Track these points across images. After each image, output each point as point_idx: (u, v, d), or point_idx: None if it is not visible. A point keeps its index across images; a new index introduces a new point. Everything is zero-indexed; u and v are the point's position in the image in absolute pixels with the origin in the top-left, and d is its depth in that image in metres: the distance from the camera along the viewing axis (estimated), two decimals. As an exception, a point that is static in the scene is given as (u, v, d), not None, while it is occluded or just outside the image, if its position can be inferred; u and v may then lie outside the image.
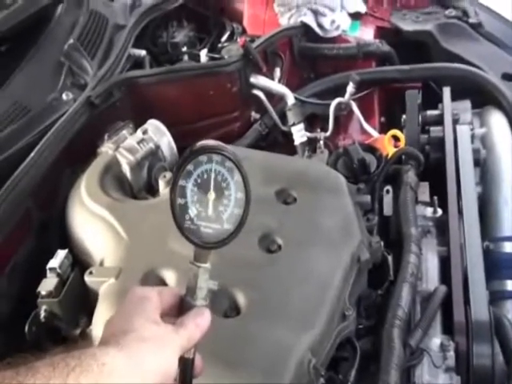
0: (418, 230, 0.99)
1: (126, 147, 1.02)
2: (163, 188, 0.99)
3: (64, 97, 1.13)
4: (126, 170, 1.01)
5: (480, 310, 0.83)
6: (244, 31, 1.69)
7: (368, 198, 1.02)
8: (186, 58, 1.57)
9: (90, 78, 1.18)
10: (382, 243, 0.94)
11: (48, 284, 0.85)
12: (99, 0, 1.47)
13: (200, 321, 0.56)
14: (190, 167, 0.58)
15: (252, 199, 0.96)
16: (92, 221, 0.93)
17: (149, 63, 1.41)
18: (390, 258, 0.94)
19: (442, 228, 1.02)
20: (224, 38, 1.68)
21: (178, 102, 1.27)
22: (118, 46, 1.31)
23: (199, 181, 0.58)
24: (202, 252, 0.60)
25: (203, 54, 1.54)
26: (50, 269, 0.86)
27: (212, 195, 0.58)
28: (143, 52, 1.43)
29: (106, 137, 1.06)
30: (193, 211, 0.59)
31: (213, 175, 0.58)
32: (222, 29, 1.74)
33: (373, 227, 0.99)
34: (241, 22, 1.75)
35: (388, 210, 1.06)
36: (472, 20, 1.67)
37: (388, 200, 1.07)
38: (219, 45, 1.64)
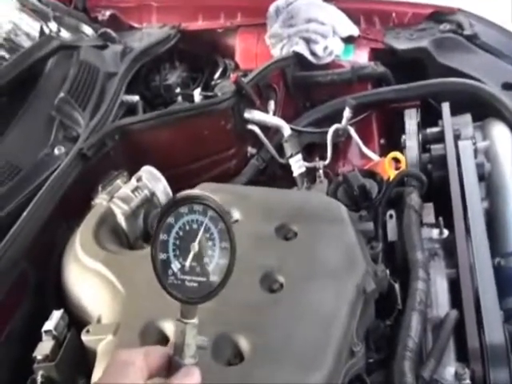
0: (424, 254, 0.98)
1: (120, 197, 1.05)
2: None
3: (56, 151, 1.16)
4: (121, 220, 1.03)
5: (494, 332, 0.82)
6: (237, 66, 1.73)
7: (371, 225, 1.02)
8: (179, 99, 1.61)
9: (82, 130, 1.21)
10: (388, 271, 0.93)
11: (44, 348, 0.84)
12: (90, 50, 1.52)
13: (189, 381, 0.56)
14: (170, 220, 0.59)
15: (252, 237, 0.98)
16: (88, 277, 0.93)
17: (142, 108, 1.45)
18: (396, 286, 0.93)
19: (449, 249, 1.01)
20: (217, 75, 1.73)
21: (172, 145, 1.30)
22: (110, 95, 1.35)
23: (181, 233, 0.59)
24: (189, 307, 0.60)
25: (197, 94, 1.58)
26: (46, 331, 0.86)
27: (195, 247, 0.59)
28: (136, 97, 1.47)
29: (99, 188, 1.08)
30: (176, 266, 0.59)
31: (195, 226, 0.58)
32: (215, 66, 1.79)
33: (377, 255, 0.98)
34: (233, 57, 1.79)
35: (392, 235, 1.06)
36: (467, 32, 1.69)
37: (392, 225, 1.07)
38: (212, 82, 1.68)
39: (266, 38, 1.75)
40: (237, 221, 1.00)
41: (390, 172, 1.23)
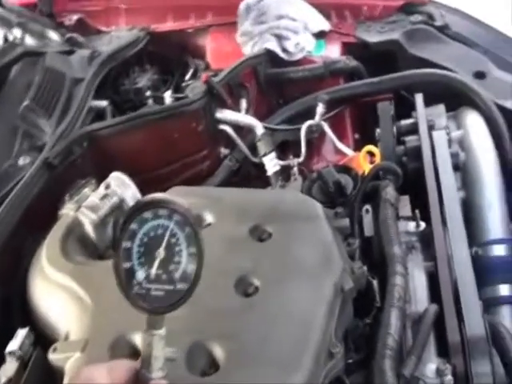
0: (401, 248, 0.96)
1: (87, 206, 1.01)
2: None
3: (20, 162, 1.12)
4: (90, 229, 0.99)
5: (474, 324, 0.81)
6: (208, 67, 1.70)
7: (346, 221, 1.00)
8: (150, 102, 1.57)
9: (48, 138, 1.18)
10: (366, 268, 0.92)
11: (8, 370, 0.80)
12: (55, 56, 1.48)
13: None
14: (133, 226, 0.56)
15: (225, 240, 0.96)
16: (54, 291, 0.90)
17: (111, 114, 1.41)
18: (375, 283, 0.91)
19: (427, 242, 1.00)
20: (188, 77, 1.69)
21: (142, 150, 1.27)
22: (77, 101, 1.31)
23: (145, 240, 0.56)
24: (156, 318, 0.57)
25: (167, 96, 1.55)
26: (10, 352, 0.82)
27: (161, 254, 0.56)
28: (104, 103, 1.44)
29: (66, 198, 1.05)
30: (141, 274, 0.56)
31: (160, 232, 0.56)
32: (186, 67, 1.76)
33: (354, 252, 0.96)
34: (204, 58, 1.76)
35: (369, 230, 1.04)
36: (438, 23, 1.69)
37: (368, 220, 1.05)
38: (183, 84, 1.64)
39: (237, 37, 1.73)
40: (209, 224, 0.97)
41: (364, 166, 1.22)
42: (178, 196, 0.90)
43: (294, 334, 0.78)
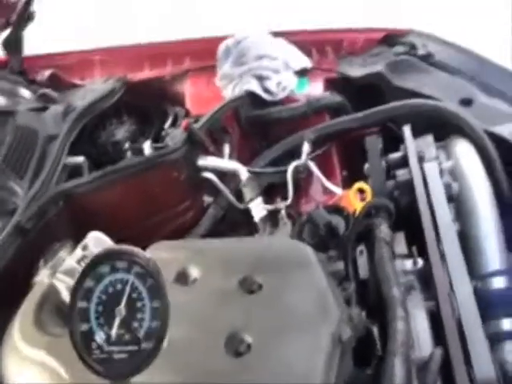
0: (400, 290, 0.95)
1: (64, 270, 0.99)
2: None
3: None
4: (66, 296, 0.97)
5: (484, 367, 0.78)
6: (188, 113, 1.73)
7: (340, 265, 0.99)
8: (129, 154, 1.58)
9: (20, 201, 1.17)
10: (364, 314, 0.90)
11: None
12: (27, 114, 1.50)
13: None
14: (89, 284, 0.55)
15: (213, 295, 0.94)
16: (29, 368, 0.86)
17: (88, 169, 1.42)
18: (375, 330, 0.89)
19: (425, 279, 0.99)
20: (167, 125, 1.71)
21: (122, 205, 1.26)
22: (51, 159, 1.32)
23: (103, 297, 0.55)
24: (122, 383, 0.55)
25: (147, 147, 1.56)
26: None
27: (122, 312, 0.55)
28: (81, 158, 1.44)
29: (41, 263, 1.03)
30: (100, 336, 0.55)
31: (119, 287, 0.55)
32: (165, 116, 1.78)
33: (350, 296, 0.95)
34: (184, 104, 1.79)
35: (364, 272, 1.03)
36: (421, 52, 1.73)
37: (363, 261, 1.05)
38: (163, 133, 1.66)
39: (217, 80, 1.76)
40: (196, 279, 0.96)
41: (356, 204, 1.21)
42: (161, 252, 0.89)
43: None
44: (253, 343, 0.82)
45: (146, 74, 1.91)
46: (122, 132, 1.68)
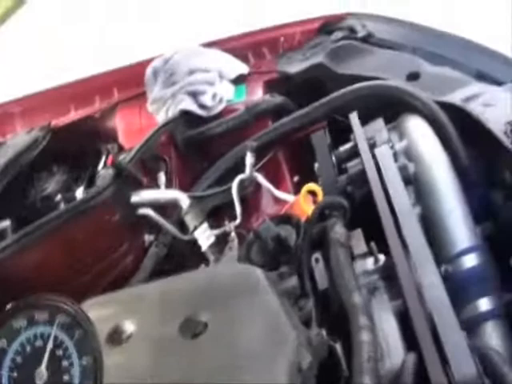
0: (361, 295, 0.89)
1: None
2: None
3: None
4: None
5: (462, 365, 0.73)
6: (121, 148, 1.68)
7: (293, 280, 0.94)
8: (61, 206, 1.53)
9: None
10: (324, 333, 0.84)
11: None
12: None
13: None
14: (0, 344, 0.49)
15: (152, 349, 0.88)
16: None
17: (11, 233, 1.36)
18: (338, 348, 0.83)
19: (389, 277, 0.93)
20: (101, 166, 1.66)
21: (49, 265, 1.20)
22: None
23: (19, 359, 0.49)
24: None
25: (79, 193, 1.51)
26: None
27: (43, 375, 0.48)
28: (5, 223, 1.38)
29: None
30: None
31: (39, 343, 0.49)
32: (98, 156, 1.73)
33: (309, 315, 0.90)
34: (117, 140, 1.74)
35: (322, 282, 0.97)
36: (360, 34, 1.71)
37: (319, 270, 0.99)
38: (97, 175, 1.61)
39: (148, 106, 1.73)
40: (131, 335, 0.89)
41: (308, 209, 1.17)
42: (90, 311, 0.82)
43: None
44: None
45: (72, 115, 1.87)
46: (52, 184, 1.62)
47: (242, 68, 1.78)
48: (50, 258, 1.21)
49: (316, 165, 1.29)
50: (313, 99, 1.51)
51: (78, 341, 0.49)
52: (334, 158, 1.28)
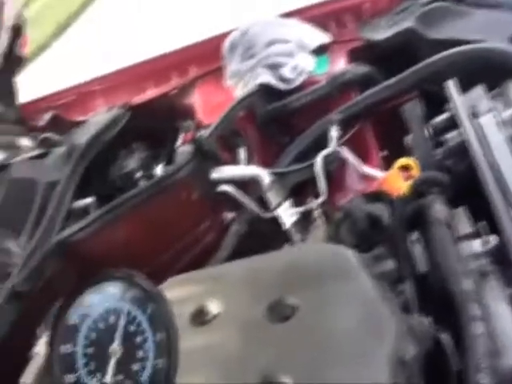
0: (471, 280, 0.79)
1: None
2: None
3: None
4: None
5: None
6: (199, 125, 1.64)
7: (391, 262, 0.85)
8: (141, 183, 1.50)
9: (17, 261, 1.11)
10: (430, 320, 0.75)
11: None
12: (23, 164, 1.46)
13: None
14: (72, 320, 0.48)
15: (239, 331, 0.83)
16: None
17: (94, 211, 1.34)
18: (446, 339, 0.74)
19: (502, 260, 0.83)
20: (179, 143, 1.63)
21: (131, 243, 1.18)
22: (51, 208, 1.25)
23: (93, 336, 0.47)
24: None
25: (159, 171, 1.48)
26: None
27: (117, 351, 0.47)
28: (89, 200, 1.38)
29: (38, 331, 0.94)
30: None
31: (112, 319, 0.47)
32: (176, 133, 1.70)
33: (409, 301, 0.81)
34: (195, 117, 1.71)
35: (422, 265, 0.88)
36: (453, -7, 1.58)
37: (419, 252, 0.90)
38: (175, 152, 1.57)
39: (227, 81, 1.68)
40: (217, 315, 0.84)
41: (401, 186, 1.07)
42: (172, 290, 0.78)
43: None
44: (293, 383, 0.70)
45: (150, 93, 1.85)
46: (132, 162, 1.60)
47: (324, 38, 1.68)
48: (131, 236, 1.19)
49: (408, 138, 1.19)
50: (402, 68, 1.41)
51: (151, 316, 0.48)
52: (428, 131, 1.17)
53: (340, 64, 1.61)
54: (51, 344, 0.48)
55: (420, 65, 1.38)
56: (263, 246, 1.21)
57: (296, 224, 1.19)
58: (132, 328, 0.47)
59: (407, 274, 0.88)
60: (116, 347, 0.47)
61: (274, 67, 1.63)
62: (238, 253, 1.21)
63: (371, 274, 0.82)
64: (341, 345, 0.73)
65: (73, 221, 1.30)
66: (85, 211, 1.37)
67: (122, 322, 0.47)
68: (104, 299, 0.48)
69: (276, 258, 0.97)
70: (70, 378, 0.46)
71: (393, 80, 1.38)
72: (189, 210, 1.26)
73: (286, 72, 1.60)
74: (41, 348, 0.91)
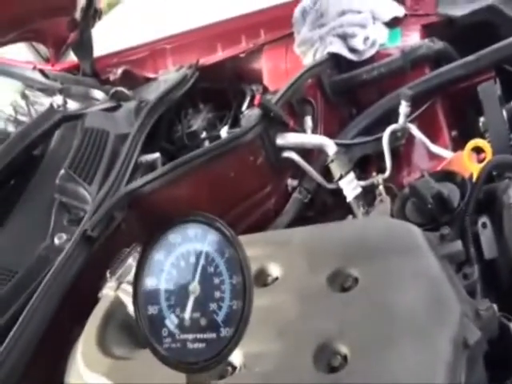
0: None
1: (131, 281, 0.91)
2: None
3: (56, 241, 1.07)
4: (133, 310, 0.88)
5: None
6: (266, 90, 1.61)
7: (458, 244, 0.81)
8: (206, 144, 1.50)
9: (88, 208, 1.12)
10: (496, 307, 0.72)
11: None
12: (97, 115, 1.47)
13: None
14: (158, 257, 0.49)
15: (298, 297, 0.82)
16: None
17: (161, 165, 1.34)
18: (512, 328, 0.71)
19: None
20: (245, 106, 1.61)
21: (195, 200, 1.17)
22: (121, 160, 1.26)
23: (174, 272, 0.48)
24: (198, 378, 0.48)
25: (224, 132, 1.46)
26: None
27: (196, 289, 0.48)
28: (156, 155, 1.38)
29: (107, 274, 0.95)
30: (171, 321, 0.48)
31: (192, 259, 0.48)
32: (243, 97, 1.68)
33: (474, 285, 0.78)
34: (262, 81, 1.68)
35: (490, 250, 0.85)
36: (541, -32, 1.48)
37: (487, 237, 0.86)
38: (241, 115, 1.56)
39: (296, 48, 1.64)
40: (276, 279, 0.83)
41: (472, 167, 1.02)
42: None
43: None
44: (349, 355, 0.68)
45: (219, 55, 1.83)
46: (198, 121, 1.60)
47: (398, 10, 1.61)
48: (196, 194, 1.18)
49: (482, 119, 1.14)
50: (480, 46, 1.35)
51: (227, 260, 0.48)
52: (504, 113, 1.11)
53: (413, 38, 1.54)
54: (136, 277, 0.50)
55: (501, 43, 1.31)
56: (323, 216, 1.19)
57: (359, 197, 1.15)
58: (210, 269, 0.48)
59: (473, 259, 0.84)
60: (195, 286, 0.48)
61: (345, 37, 1.58)
62: (298, 220, 1.18)
63: (436, 253, 0.79)
64: (402, 321, 0.71)
65: (140, 174, 1.31)
66: (151, 166, 1.37)
67: (201, 263, 0.48)
68: (186, 239, 0.49)
69: (339, 229, 0.95)
70: (153, 309, 0.48)
71: (470, 57, 1.31)
72: (252, 174, 1.24)
73: (358, 43, 1.54)
74: (107, 291, 0.93)
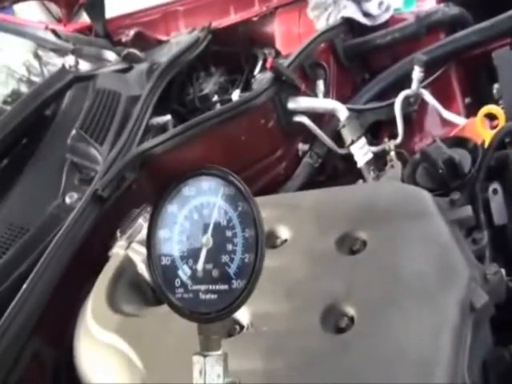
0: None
1: (140, 240, 0.91)
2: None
3: (67, 200, 1.06)
4: (143, 269, 0.88)
5: None
6: (278, 54, 1.57)
7: (468, 209, 0.79)
8: (218, 107, 1.47)
9: (99, 168, 1.11)
10: (504, 272, 0.70)
11: None
12: (108, 76, 1.44)
13: None
14: (171, 209, 0.49)
15: (307, 259, 0.81)
16: (100, 353, 0.79)
17: (172, 128, 1.33)
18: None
19: None
20: (257, 70, 1.57)
21: (205, 161, 1.14)
22: (132, 121, 1.24)
23: (187, 225, 0.48)
24: (209, 329, 0.48)
25: (235, 96, 1.44)
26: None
27: (209, 241, 0.48)
28: (167, 117, 1.36)
29: (117, 233, 0.95)
30: (184, 272, 0.48)
31: (206, 212, 0.48)
32: (255, 61, 1.64)
33: (483, 250, 0.76)
34: (274, 45, 1.64)
35: (500, 216, 0.83)
36: None
37: (497, 203, 0.84)
38: (252, 80, 1.52)
39: (309, 12, 1.60)
40: (285, 241, 0.82)
41: (484, 134, 0.99)
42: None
43: (409, 379, 0.59)
44: (356, 317, 0.68)
45: (232, 18, 1.78)
46: (210, 85, 1.57)
47: (414, -26, 1.56)
48: (206, 156, 1.17)
49: (496, 86, 1.11)
50: (496, 12, 1.30)
51: (240, 213, 0.48)
52: (519, 80, 1.07)
53: (429, 3, 1.50)
54: (149, 229, 0.50)
55: (517, 9, 1.26)
56: (334, 181, 1.17)
57: (370, 163, 1.13)
58: (223, 222, 0.48)
59: (483, 224, 0.82)
60: (208, 238, 0.48)
61: (359, 1, 1.53)
62: (308, 184, 1.17)
63: (446, 218, 0.77)
64: (409, 284, 0.70)
65: (151, 135, 1.29)
66: (163, 128, 1.35)
67: (214, 216, 0.48)
68: (200, 192, 0.49)
69: (349, 193, 0.93)
70: (166, 260, 0.48)
71: (486, 23, 1.27)
72: (264, 137, 1.22)
73: (372, 7, 1.50)
74: (117, 250, 0.93)
